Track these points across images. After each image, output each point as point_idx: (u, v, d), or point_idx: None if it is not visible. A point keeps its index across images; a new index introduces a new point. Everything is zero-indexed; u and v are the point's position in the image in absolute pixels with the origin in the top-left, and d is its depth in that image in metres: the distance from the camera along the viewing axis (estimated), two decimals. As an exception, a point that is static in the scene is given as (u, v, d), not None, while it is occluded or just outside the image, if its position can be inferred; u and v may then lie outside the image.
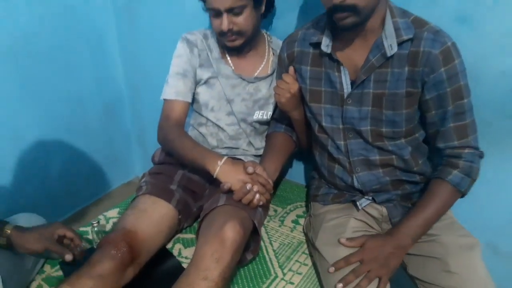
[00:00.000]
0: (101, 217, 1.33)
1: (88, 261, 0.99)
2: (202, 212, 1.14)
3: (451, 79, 0.95)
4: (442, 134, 1.02)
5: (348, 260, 1.00)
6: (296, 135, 1.32)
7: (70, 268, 1.11)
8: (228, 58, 1.30)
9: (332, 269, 0.99)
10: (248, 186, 1.07)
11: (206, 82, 1.28)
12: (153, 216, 1.13)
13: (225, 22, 1.13)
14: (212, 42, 1.29)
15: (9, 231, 1.01)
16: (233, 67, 1.29)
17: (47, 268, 1.16)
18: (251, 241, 1.12)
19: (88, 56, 1.81)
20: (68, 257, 1.02)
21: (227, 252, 0.95)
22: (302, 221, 1.35)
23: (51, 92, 1.71)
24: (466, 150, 1.00)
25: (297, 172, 1.61)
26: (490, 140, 1.12)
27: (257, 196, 1.08)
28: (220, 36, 1.20)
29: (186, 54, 1.25)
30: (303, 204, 1.45)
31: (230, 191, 1.10)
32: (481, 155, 1.03)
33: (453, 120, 0.99)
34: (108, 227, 1.29)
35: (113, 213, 1.36)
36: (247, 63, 1.30)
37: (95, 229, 1.20)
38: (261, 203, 1.10)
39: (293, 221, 1.35)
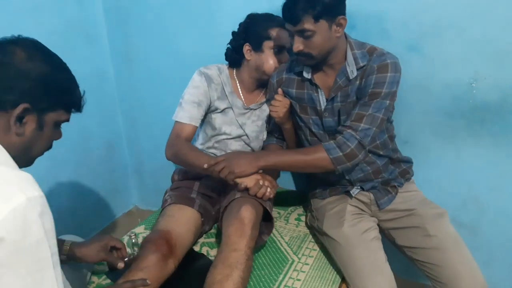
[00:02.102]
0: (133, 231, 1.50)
1: (136, 258, 1.20)
2: (221, 206, 1.37)
3: (377, 84, 1.24)
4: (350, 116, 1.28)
5: (216, 159, 1.31)
6: (286, 144, 1.60)
7: (115, 276, 1.29)
8: (240, 92, 1.55)
9: (206, 165, 1.29)
10: (261, 182, 1.32)
11: (222, 111, 1.52)
12: (181, 219, 1.35)
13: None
14: (224, 77, 1.53)
15: (68, 247, 1.17)
16: (243, 100, 1.55)
17: (95, 279, 1.31)
18: (264, 227, 1.36)
19: (90, 99, 1.99)
20: (121, 264, 1.19)
21: (246, 228, 1.21)
22: (303, 218, 1.62)
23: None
24: (349, 130, 1.25)
25: (287, 180, 1.87)
26: (444, 135, 1.48)
27: (268, 189, 1.33)
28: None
29: (203, 86, 1.47)
30: (300, 205, 1.72)
31: (245, 189, 1.33)
32: (361, 142, 1.24)
33: (359, 108, 1.26)
34: (139, 240, 1.47)
35: (140, 229, 1.54)
36: (254, 96, 1.58)
37: (132, 241, 1.37)
38: (271, 196, 1.34)
39: (296, 219, 1.62)
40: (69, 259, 1.17)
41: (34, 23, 1.68)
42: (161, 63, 1.97)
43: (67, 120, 0.93)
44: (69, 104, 0.91)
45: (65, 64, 0.90)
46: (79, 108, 0.96)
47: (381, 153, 1.38)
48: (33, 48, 0.85)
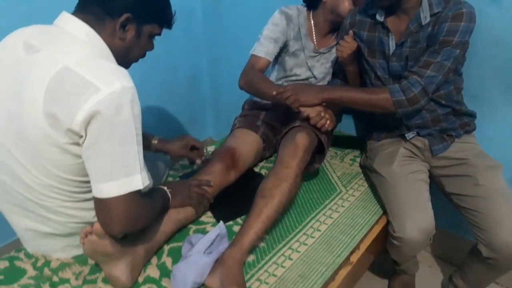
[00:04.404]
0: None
1: (205, 165, 1.42)
2: (281, 133, 1.51)
3: (449, 32, 1.23)
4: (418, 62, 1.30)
5: (285, 87, 1.40)
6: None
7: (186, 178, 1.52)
8: (314, 35, 1.64)
9: (275, 92, 1.38)
10: (322, 113, 1.42)
11: (293, 53, 1.63)
12: (245, 140, 1.54)
13: None
14: (302, 19, 1.62)
15: (156, 141, 1.42)
16: (315, 43, 1.64)
17: (170, 178, 1.56)
18: (316, 157, 1.48)
19: (178, 34, 2.22)
20: (198, 161, 1.44)
21: (299, 151, 1.34)
22: (358, 159, 1.71)
23: (151, 62, 2.11)
24: (415, 76, 1.27)
25: (349, 126, 1.95)
26: (514, 92, 1.45)
27: (328, 122, 1.42)
28: None
29: (282, 25, 1.56)
30: (357, 149, 1.81)
31: (306, 119, 1.43)
32: (425, 89, 1.27)
33: (428, 55, 1.28)
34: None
35: (211, 148, 1.76)
36: (326, 40, 1.66)
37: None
38: (329, 128, 1.43)
39: (351, 159, 1.72)
40: (156, 151, 1.43)
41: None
42: (246, 5, 2.10)
43: (159, 34, 1.11)
44: (162, 20, 1.09)
45: None
46: (169, 25, 1.13)
47: (443, 102, 1.40)
48: None
